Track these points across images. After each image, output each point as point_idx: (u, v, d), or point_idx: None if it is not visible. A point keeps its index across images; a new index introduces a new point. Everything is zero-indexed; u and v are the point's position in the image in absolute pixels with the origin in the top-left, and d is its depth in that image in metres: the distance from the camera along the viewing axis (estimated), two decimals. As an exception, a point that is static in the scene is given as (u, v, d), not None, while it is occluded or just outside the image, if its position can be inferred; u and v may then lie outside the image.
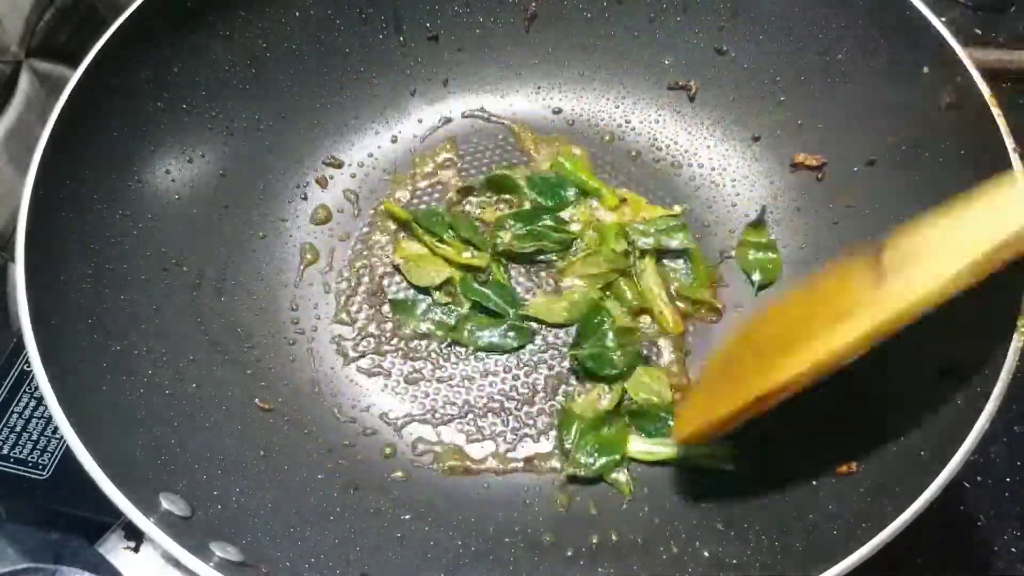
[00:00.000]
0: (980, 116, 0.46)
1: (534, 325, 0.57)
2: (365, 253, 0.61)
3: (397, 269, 0.59)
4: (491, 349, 0.56)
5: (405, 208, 0.62)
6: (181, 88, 0.55)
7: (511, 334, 0.56)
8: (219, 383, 0.51)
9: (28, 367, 0.56)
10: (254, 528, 0.44)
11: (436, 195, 0.63)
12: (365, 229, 0.61)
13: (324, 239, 0.61)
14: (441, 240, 0.59)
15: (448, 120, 0.65)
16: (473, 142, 0.65)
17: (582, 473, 0.51)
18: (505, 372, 0.56)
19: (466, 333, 0.56)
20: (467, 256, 0.58)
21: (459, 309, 0.57)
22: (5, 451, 0.54)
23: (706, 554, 0.45)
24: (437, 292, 0.58)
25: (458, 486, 0.52)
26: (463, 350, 0.57)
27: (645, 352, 0.56)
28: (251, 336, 0.55)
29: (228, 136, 0.58)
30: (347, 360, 0.56)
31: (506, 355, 0.56)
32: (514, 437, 0.54)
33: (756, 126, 0.61)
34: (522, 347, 0.56)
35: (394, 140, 0.65)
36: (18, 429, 0.54)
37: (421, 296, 0.58)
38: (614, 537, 0.48)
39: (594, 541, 0.48)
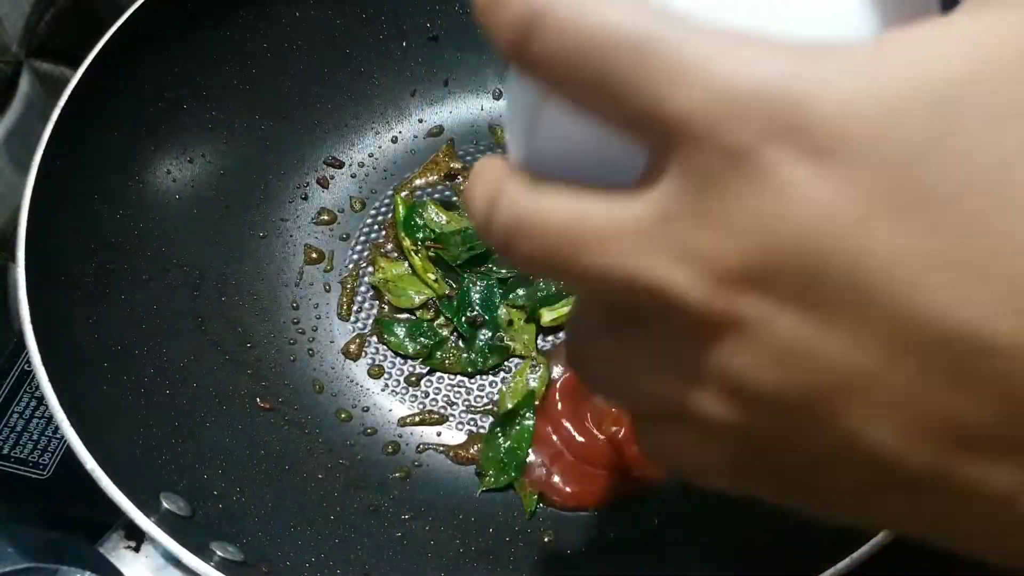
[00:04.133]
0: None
1: (512, 344, 0.56)
2: (366, 253, 0.61)
3: (376, 290, 0.58)
4: (464, 371, 0.55)
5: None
6: (182, 88, 0.55)
7: (487, 354, 0.56)
8: (220, 383, 0.51)
9: (29, 367, 0.56)
10: (255, 527, 0.44)
11: (436, 196, 0.63)
12: (366, 229, 0.62)
13: (325, 239, 0.61)
14: (416, 246, 0.58)
15: (447, 122, 0.65)
16: (473, 143, 0.65)
17: (492, 486, 0.50)
18: (506, 372, 0.56)
19: (438, 356, 0.56)
20: (431, 278, 0.58)
21: (443, 331, 0.57)
22: (5, 451, 0.54)
23: (705, 551, 0.45)
24: (419, 311, 0.58)
25: (458, 486, 0.52)
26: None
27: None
28: (252, 336, 0.55)
29: (229, 136, 0.58)
30: (348, 360, 0.56)
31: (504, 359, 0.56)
32: (514, 437, 0.54)
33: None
34: (498, 365, 0.55)
35: (394, 140, 0.65)
36: (18, 429, 0.54)
37: (403, 315, 0.57)
38: (612, 536, 0.48)
39: (593, 540, 0.48)
